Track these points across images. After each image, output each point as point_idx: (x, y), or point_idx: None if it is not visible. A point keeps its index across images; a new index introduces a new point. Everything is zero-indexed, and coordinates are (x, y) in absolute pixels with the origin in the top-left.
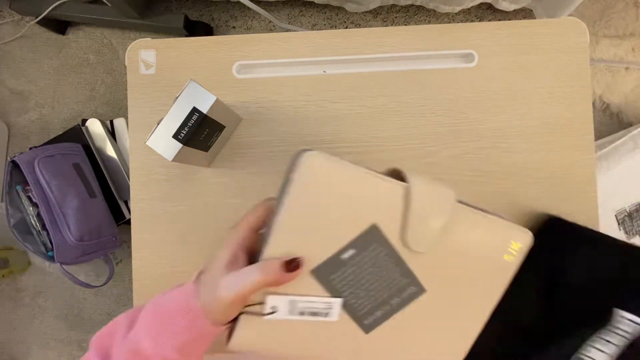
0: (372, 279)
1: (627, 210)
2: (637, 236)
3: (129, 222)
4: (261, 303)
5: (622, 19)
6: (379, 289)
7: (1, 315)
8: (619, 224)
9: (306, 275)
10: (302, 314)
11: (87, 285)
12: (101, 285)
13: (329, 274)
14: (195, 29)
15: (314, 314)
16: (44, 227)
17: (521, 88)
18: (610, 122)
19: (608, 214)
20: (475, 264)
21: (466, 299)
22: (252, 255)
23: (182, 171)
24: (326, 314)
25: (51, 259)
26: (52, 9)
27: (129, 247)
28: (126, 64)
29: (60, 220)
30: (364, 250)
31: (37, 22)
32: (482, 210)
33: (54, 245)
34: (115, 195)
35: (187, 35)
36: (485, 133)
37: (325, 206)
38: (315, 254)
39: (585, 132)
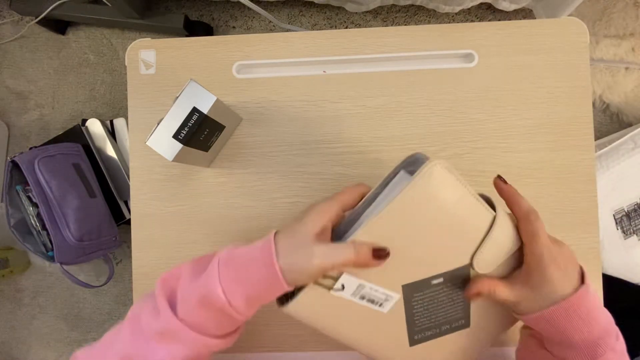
0: (439, 305)
1: (625, 209)
2: (634, 235)
3: (129, 222)
4: (334, 278)
5: (622, 19)
6: (440, 314)
7: (1, 315)
8: (616, 223)
9: (397, 285)
10: (362, 298)
11: (87, 285)
12: (101, 285)
13: (415, 292)
14: (195, 29)
15: (372, 301)
16: (44, 227)
17: (521, 88)
18: (610, 122)
19: (606, 213)
20: None
21: (491, 331)
22: (332, 230)
23: (182, 171)
24: (380, 304)
25: (51, 259)
26: (52, 9)
27: (129, 247)
28: (126, 64)
29: (60, 220)
30: (450, 282)
31: (37, 22)
32: None
33: (54, 245)
34: (115, 195)
35: (187, 35)
36: (485, 133)
37: (427, 216)
38: (408, 267)
39: (585, 132)
